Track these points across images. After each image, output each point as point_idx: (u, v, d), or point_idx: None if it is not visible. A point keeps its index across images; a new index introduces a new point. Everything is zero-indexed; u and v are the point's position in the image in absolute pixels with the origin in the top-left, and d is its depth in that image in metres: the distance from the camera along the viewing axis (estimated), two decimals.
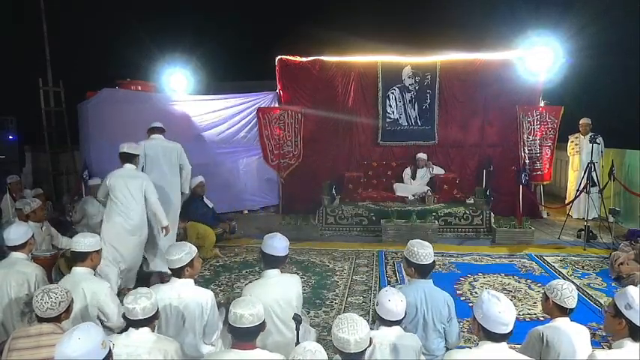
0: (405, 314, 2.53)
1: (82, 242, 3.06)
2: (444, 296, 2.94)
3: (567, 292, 2.55)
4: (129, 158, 4.73)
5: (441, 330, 2.91)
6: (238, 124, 8.69)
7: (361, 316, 2.22)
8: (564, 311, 2.57)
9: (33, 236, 3.53)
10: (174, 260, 2.90)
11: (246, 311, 2.20)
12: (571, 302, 2.56)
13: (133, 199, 4.51)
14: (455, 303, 3.01)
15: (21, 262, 3.30)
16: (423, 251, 2.90)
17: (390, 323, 2.41)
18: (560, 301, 2.57)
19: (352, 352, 2.07)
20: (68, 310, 2.52)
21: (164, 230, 4.72)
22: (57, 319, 2.45)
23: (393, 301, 2.46)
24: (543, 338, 2.51)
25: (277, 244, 3.04)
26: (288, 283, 3.06)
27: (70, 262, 4.43)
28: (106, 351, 1.85)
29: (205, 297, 2.94)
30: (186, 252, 2.93)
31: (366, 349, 2.10)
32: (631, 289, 2.20)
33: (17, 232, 3.37)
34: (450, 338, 2.95)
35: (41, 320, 2.43)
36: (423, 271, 2.93)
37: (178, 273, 2.93)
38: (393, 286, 2.74)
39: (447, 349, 2.94)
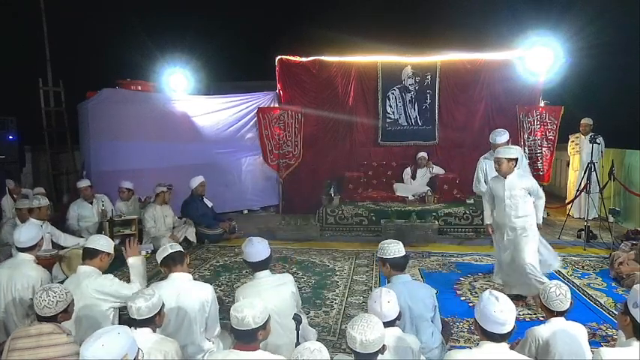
0: (399, 314, 2.54)
1: (97, 241, 3.12)
2: (425, 287, 3.08)
3: (554, 296, 2.56)
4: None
5: (430, 319, 2.96)
6: (238, 123, 8.70)
7: None
8: (552, 313, 2.59)
9: (42, 238, 3.54)
10: (162, 250, 3.01)
11: (239, 314, 2.20)
12: (556, 306, 2.56)
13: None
14: (455, 302, 3.05)
15: (27, 265, 3.30)
16: (392, 247, 3.04)
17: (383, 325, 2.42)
18: (547, 303, 2.59)
19: (358, 351, 2.08)
20: (67, 311, 2.51)
21: None
22: (54, 319, 2.45)
23: (378, 302, 2.48)
24: (539, 338, 2.52)
25: (255, 249, 3.02)
26: (280, 282, 3.06)
27: (69, 263, 4.47)
28: None
29: (205, 291, 2.96)
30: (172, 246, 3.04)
31: (376, 352, 2.10)
32: None
33: (28, 234, 3.37)
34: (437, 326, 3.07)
35: (40, 319, 2.43)
36: (396, 264, 3.05)
37: (181, 261, 2.99)
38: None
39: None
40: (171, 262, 2.97)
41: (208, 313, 2.94)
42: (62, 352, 2.34)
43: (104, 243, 3.15)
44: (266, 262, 3.05)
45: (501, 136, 4.98)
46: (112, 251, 3.19)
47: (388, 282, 3.10)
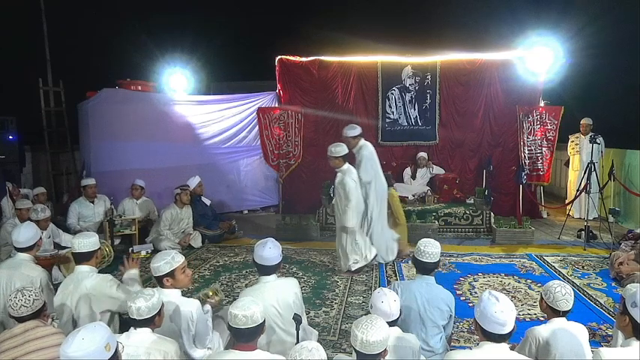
0: (400, 313, 2.54)
1: (85, 243, 3.05)
2: (446, 295, 3.02)
3: (560, 296, 2.56)
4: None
5: (441, 326, 2.96)
6: (239, 124, 8.69)
7: (361, 316, 2.22)
8: (558, 313, 2.58)
9: (41, 238, 3.55)
10: (153, 268, 2.79)
11: (240, 312, 2.19)
12: (563, 305, 2.56)
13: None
14: (455, 303, 3.06)
15: (26, 265, 3.30)
16: (427, 249, 3.02)
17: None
18: (552, 303, 2.58)
19: (358, 349, 2.07)
20: (42, 310, 2.50)
21: None
22: (35, 317, 2.44)
23: (386, 302, 2.47)
24: (540, 338, 2.52)
25: (266, 254, 2.97)
26: (284, 287, 3.05)
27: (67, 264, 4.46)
28: (109, 354, 1.83)
29: (190, 308, 2.77)
30: (165, 261, 2.77)
31: (377, 355, 2.07)
32: None
33: (26, 234, 3.37)
34: (446, 334, 3.06)
35: (19, 320, 2.42)
36: (420, 267, 3.07)
37: (160, 282, 2.81)
38: (389, 283, 2.81)
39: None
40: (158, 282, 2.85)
41: (195, 331, 2.80)
42: (54, 341, 2.33)
43: (90, 242, 3.06)
44: (274, 268, 3.03)
45: (346, 130, 5.58)
46: (99, 245, 3.13)
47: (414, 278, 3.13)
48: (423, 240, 3.11)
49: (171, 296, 2.79)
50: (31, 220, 4.85)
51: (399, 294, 2.89)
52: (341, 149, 5.16)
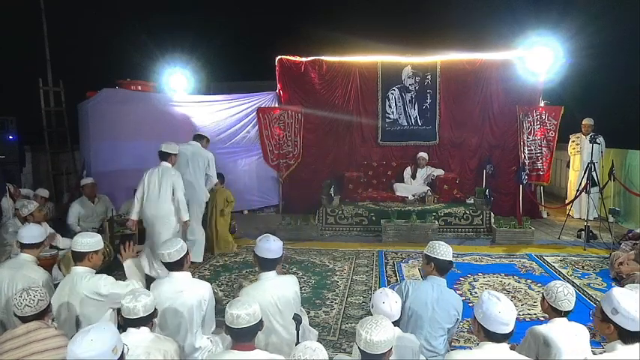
0: (401, 315, 2.54)
1: (80, 242, 3.03)
2: (456, 299, 3.02)
3: (562, 296, 2.55)
4: (165, 156, 5.24)
5: (446, 329, 2.95)
6: (238, 124, 8.68)
7: (361, 316, 2.22)
8: (560, 313, 2.58)
9: (46, 239, 3.55)
10: (175, 250, 2.97)
11: (242, 311, 2.19)
12: (565, 305, 2.56)
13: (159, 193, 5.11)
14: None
15: (28, 266, 3.28)
16: (442, 248, 3.00)
17: None
18: (554, 303, 2.58)
19: (362, 349, 2.06)
20: (46, 312, 2.50)
21: (184, 225, 5.21)
22: (38, 318, 2.43)
23: (387, 302, 2.47)
24: (541, 338, 2.52)
25: (272, 246, 3.00)
26: (285, 284, 3.06)
27: (68, 264, 4.46)
28: (116, 357, 1.83)
29: (204, 289, 3.02)
30: (180, 240, 3.07)
31: (380, 355, 2.05)
32: (616, 292, 2.16)
33: (32, 230, 3.39)
34: (448, 336, 3.05)
35: (23, 320, 2.41)
36: (441, 267, 3.01)
37: (180, 264, 3.00)
38: (389, 283, 2.79)
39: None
40: (174, 266, 3.01)
41: (205, 310, 2.98)
42: (57, 343, 2.33)
43: (88, 242, 3.05)
44: (274, 262, 3.05)
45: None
46: (99, 247, 3.11)
47: (424, 279, 3.10)
48: (433, 241, 3.08)
49: (186, 278, 3.02)
50: (24, 216, 4.85)
51: (409, 293, 2.90)
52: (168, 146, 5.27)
